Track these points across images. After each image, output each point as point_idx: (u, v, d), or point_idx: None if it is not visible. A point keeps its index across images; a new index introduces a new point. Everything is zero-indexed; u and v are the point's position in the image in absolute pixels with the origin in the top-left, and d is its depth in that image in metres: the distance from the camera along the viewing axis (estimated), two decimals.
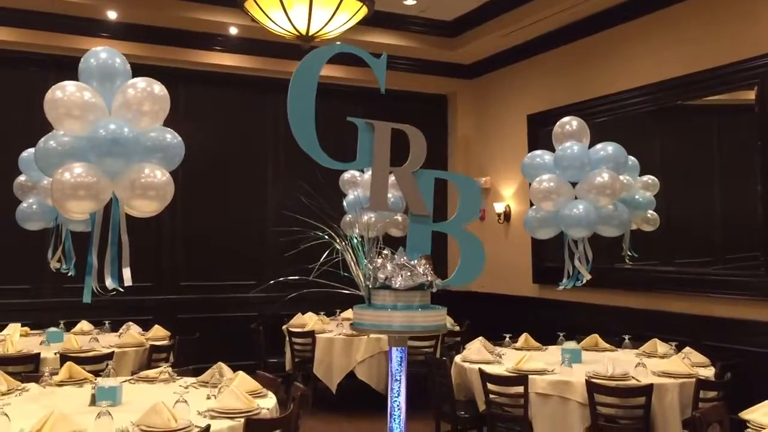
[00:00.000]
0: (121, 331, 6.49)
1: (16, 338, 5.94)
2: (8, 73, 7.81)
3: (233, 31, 7.94)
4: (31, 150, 6.16)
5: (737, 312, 6.00)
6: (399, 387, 1.56)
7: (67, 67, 7.70)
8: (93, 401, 3.77)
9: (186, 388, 4.20)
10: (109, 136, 3.69)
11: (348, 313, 7.92)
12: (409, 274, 1.57)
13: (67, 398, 3.93)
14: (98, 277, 3.90)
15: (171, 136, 4.02)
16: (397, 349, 1.55)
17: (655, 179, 6.85)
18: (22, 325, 6.51)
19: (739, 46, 6.08)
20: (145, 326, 6.66)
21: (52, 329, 6.21)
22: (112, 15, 7.40)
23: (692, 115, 6.95)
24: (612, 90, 7.43)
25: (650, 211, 6.87)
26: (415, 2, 7.99)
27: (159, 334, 6.45)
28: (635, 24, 7.21)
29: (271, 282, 2.33)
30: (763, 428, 3.10)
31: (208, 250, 8.55)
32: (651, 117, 7.18)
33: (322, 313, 7.84)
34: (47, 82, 7.49)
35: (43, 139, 3.98)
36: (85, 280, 3.89)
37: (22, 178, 6.27)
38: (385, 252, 1.58)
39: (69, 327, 6.60)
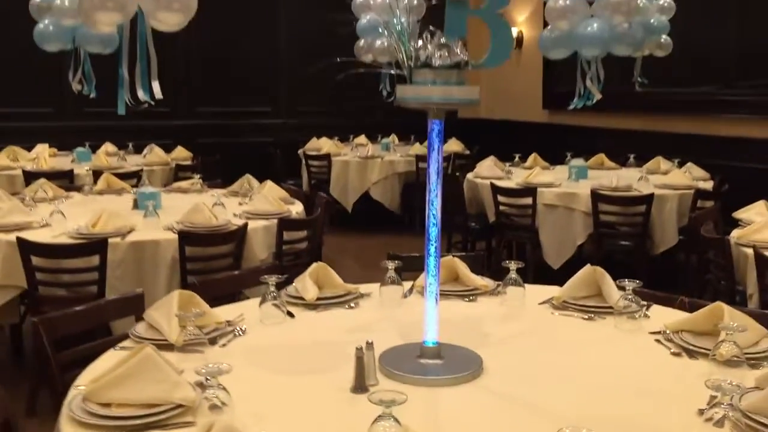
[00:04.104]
0: (145, 152, 6.75)
1: (46, 157, 6.22)
2: None
3: None
4: None
5: (741, 131, 6.20)
6: (437, 156, 1.78)
7: None
8: (135, 205, 4.08)
9: (216, 197, 4.50)
10: None
11: (361, 138, 8.16)
12: (447, 53, 1.74)
13: (109, 204, 4.22)
14: (130, 89, 4.06)
15: None
16: (434, 121, 1.76)
17: (671, 2, 6.76)
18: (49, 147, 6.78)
19: None
20: (166, 150, 6.91)
21: (81, 149, 6.47)
22: None
23: None
24: None
25: (664, 36, 6.84)
26: None
27: (182, 154, 6.73)
28: None
29: (321, 65, 2.46)
30: (752, 223, 3.39)
31: (224, 77, 8.62)
32: None
33: (336, 138, 8.07)
34: None
35: None
36: (117, 92, 4.06)
37: None
38: (427, 32, 1.74)
39: (93, 149, 6.85)
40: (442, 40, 1.74)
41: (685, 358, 1.92)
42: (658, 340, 2.04)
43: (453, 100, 1.72)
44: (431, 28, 1.71)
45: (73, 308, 2.22)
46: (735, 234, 3.41)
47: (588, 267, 2.39)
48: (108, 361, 1.79)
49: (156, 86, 4.11)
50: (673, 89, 6.98)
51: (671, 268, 5.25)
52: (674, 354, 1.94)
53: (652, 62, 6.85)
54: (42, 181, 4.45)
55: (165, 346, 1.89)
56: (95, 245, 3.21)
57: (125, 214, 3.69)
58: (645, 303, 2.26)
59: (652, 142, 6.88)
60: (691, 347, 1.94)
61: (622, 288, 2.20)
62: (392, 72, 1.78)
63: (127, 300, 2.34)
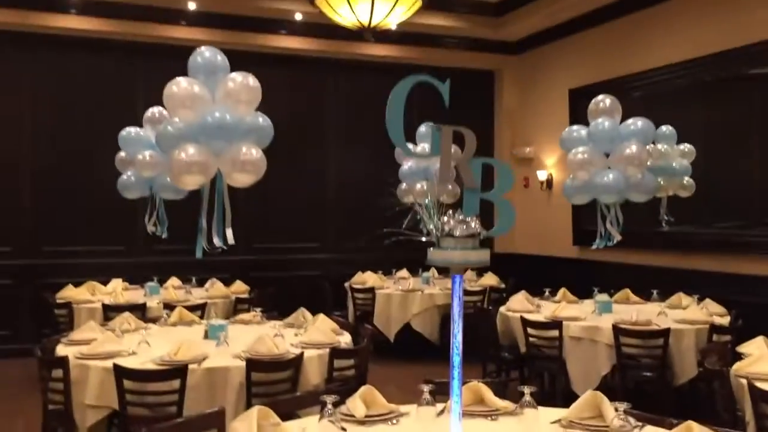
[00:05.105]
0: (207, 285, 7.45)
1: (121, 291, 6.96)
2: (101, 60, 8.75)
3: (298, 17, 8.71)
4: (129, 129, 7.14)
5: (760, 269, 6.62)
6: (458, 301, 2.35)
7: (151, 54, 8.62)
8: (206, 336, 4.68)
9: (276, 328, 5.08)
10: (215, 122, 4.54)
11: (403, 272, 8.77)
12: (465, 226, 2.35)
13: (183, 335, 4.83)
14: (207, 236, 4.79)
15: (263, 120, 4.86)
16: (456, 276, 2.35)
17: (692, 147, 7.34)
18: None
19: None
20: (224, 283, 7.59)
21: (151, 284, 7.20)
22: (191, 5, 8.24)
23: (729, 86, 7.40)
24: (650, 66, 7.96)
25: (686, 178, 7.40)
26: None
27: (240, 288, 7.40)
28: (673, 3, 7.73)
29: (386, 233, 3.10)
30: (750, 354, 3.82)
31: (277, 216, 9.48)
32: (688, 90, 7.66)
33: (379, 271, 8.68)
34: (135, 69, 8.40)
35: (162, 124, 4.86)
36: (196, 239, 4.79)
37: (122, 153, 7.20)
38: (449, 212, 2.37)
39: (160, 283, 7.57)
40: (461, 216, 2.36)
41: None
42: None
43: (469, 262, 2.31)
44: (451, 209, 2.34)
45: (173, 421, 2.76)
46: (735, 366, 3.82)
47: (590, 391, 2.87)
48: None
49: (229, 233, 4.84)
50: (695, 229, 7.47)
51: (694, 397, 5.56)
52: None
53: (677, 201, 7.41)
54: (127, 314, 5.11)
55: None
56: (177, 371, 3.78)
57: (199, 344, 4.28)
58: (639, 423, 2.71)
59: (674, 278, 7.31)
60: None
61: (616, 409, 2.66)
62: (424, 239, 2.39)
63: (212, 415, 2.88)
